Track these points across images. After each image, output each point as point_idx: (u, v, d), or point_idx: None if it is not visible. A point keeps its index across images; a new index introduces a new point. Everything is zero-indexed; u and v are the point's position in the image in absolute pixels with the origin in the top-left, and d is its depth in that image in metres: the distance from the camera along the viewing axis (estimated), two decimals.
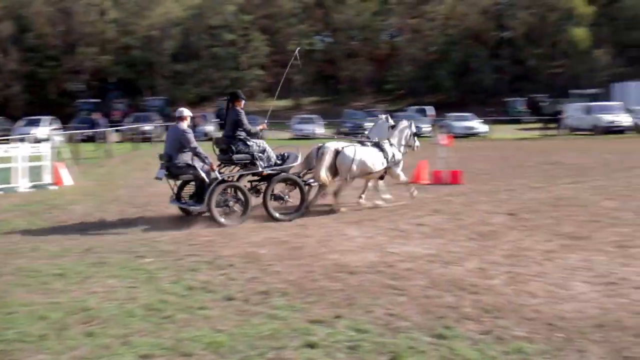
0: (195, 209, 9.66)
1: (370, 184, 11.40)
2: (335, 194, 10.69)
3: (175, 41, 55.09)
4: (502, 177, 15.11)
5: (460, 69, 57.19)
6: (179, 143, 9.56)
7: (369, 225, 9.31)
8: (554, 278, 6.35)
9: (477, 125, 36.09)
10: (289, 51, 57.35)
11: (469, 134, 34.67)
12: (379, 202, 11.08)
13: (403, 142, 11.44)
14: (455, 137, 31.75)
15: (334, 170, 10.53)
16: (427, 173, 14.28)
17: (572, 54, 56.20)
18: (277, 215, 9.74)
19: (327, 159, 10.35)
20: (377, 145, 10.91)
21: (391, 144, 11.11)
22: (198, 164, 9.52)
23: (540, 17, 57.60)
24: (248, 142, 9.83)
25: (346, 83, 60.38)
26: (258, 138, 10.20)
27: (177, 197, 10.04)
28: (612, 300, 5.67)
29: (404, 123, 11.75)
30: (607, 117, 35.05)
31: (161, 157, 9.87)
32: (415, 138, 11.80)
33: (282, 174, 9.94)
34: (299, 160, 10.34)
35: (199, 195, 9.51)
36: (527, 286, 6.09)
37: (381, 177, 11.16)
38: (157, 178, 9.90)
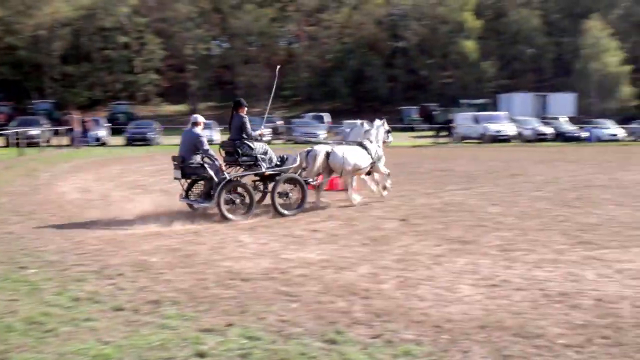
0: (204, 205, 10.42)
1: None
2: (346, 189, 12.03)
3: (65, 42, 52.80)
4: (396, 183, 15.42)
5: (355, 77, 58.35)
6: (193, 146, 10.37)
7: (263, 232, 9.29)
8: (441, 281, 6.57)
9: None
10: (185, 55, 56.60)
11: None
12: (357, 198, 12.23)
13: (380, 139, 12.65)
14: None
15: (328, 170, 11.81)
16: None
17: (462, 65, 58.67)
18: (283, 211, 10.62)
19: (319, 161, 11.46)
20: (361, 144, 12.12)
21: (371, 142, 12.33)
22: (208, 164, 10.26)
23: (432, 29, 59.77)
24: (252, 145, 10.72)
25: (243, 89, 60.13)
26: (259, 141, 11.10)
27: (186, 195, 10.76)
28: (494, 301, 5.92)
29: (378, 122, 13.03)
30: (494, 127, 36.75)
31: (174, 158, 10.61)
32: (389, 134, 13.23)
33: (286, 174, 10.89)
34: (298, 162, 11.33)
35: (207, 193, 10.35)
36: (416, 290, 6.26)
37: (368, 173, 12.39)
38: (176, 178, 10.63)
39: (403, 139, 38.39)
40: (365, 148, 12.07)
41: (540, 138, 37.04)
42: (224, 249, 8.13)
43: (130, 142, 34.21)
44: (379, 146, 12.48)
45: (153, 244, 8.37)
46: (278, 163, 10.94)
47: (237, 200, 10.34)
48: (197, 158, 10.34)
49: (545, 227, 9.61)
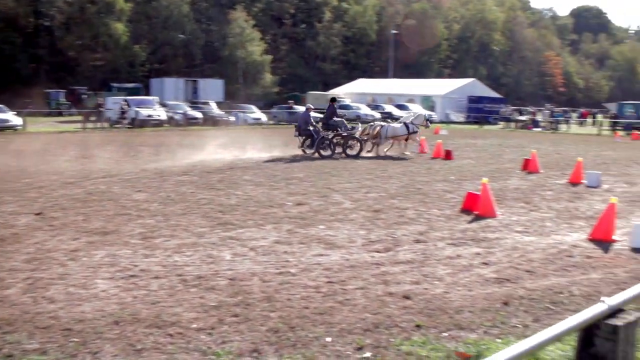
0: (311, 151, 19.49)
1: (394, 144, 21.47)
2: (379, 146, 20.61)
3: None
4: (34, 174, 14.29)
5: None
6: (306, 120, 19.60)
7: None
8: (76, 278, 6.19)
9: (11, 117, 33.36)
10: None
11: (2, 128, 31.90)
12: (407, 153, 20.76)
13: (416, 122, 21.02)
14: None
15: (377, 135, 20.32)
16: None
17: (112, 48, 57.06)
18: (350, 154, 19.50)
19: (377, 129, 20.31)
20: (405, 124, 20.66)
21: (412, 124, 20.73)
22: (313, 130, 19.61)
23: (79, 8, 56.79)
24: (336, 121, 20.20)
25: None
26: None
27: (302, 146, 19.84)
28: (131, 293, 5.77)
29: (420, 113, 24.50)
30: (145, 111, 36.43)
31: (296, 126, 20.07)
32: (427, 121, 22.66)
33: (350, 135, 19.99)
34: (359, 129, 20.79)
35: (311, 145, 19.62)
36: (46, 291, 5.79)
37: (406, 139, 20.71)
38: (296, 136, 20.05)
39: (48, 124, 36.02)
40: (406, 126, 20.44)
41: (191, 122, 37.89)
42: None
43: None
44: (416, 128, 20.77)
45: None
46: (349, 130, 20.19)
47: (327, 149, 19.39)
48: (308, 127, 19.42)
49: (188, 211, 9.77)
